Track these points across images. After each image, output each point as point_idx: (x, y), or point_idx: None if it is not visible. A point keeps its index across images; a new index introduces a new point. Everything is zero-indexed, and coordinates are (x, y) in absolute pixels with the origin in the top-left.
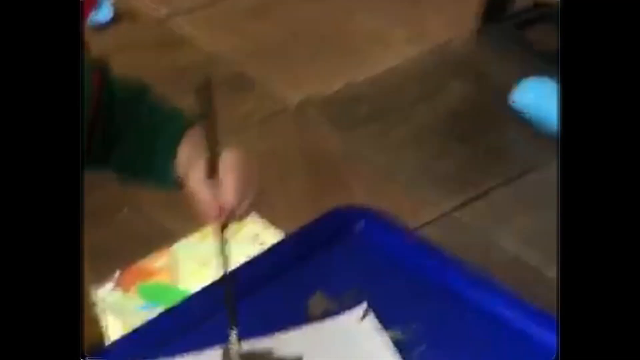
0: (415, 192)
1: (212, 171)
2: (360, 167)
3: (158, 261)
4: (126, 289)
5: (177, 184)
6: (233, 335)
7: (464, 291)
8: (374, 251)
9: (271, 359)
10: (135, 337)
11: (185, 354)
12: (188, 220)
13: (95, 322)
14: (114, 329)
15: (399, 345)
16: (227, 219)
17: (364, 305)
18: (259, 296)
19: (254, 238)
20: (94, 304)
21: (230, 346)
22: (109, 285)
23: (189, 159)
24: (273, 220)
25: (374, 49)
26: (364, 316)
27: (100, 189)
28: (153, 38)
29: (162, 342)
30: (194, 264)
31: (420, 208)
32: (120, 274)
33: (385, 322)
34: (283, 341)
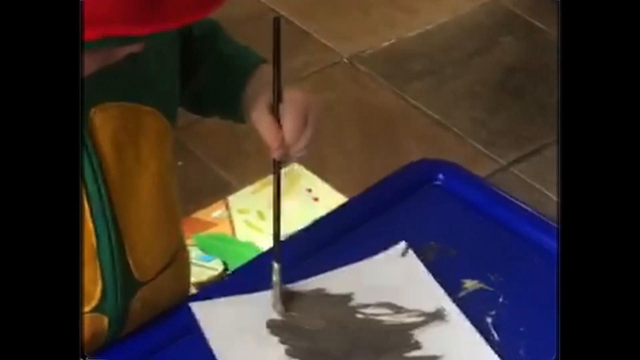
0: (469, 147)
1: (275, 107)
2: (414, 122)
3: (214, 213)
4: None
5: (241, 117)
6: (275, 268)
7: (545, 242)
8: (454, 203)
9: (321, 295)
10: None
11: (239, 295)
12: (242, 172)
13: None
14: None
15: (479, 296)
16: (284, 155)
17: (403, 243)
18: (340, 246)
19: (307, 192)
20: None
21: (274, 283)
22: None
23: (254, 93)
24: (325, 173)
25: (425, 4)
26: (403, 253)
27: None
28: None
29: None
30: (249, 216)
31: (475, 163)
32: None
33: (466, 272)
34: (330, 280)
